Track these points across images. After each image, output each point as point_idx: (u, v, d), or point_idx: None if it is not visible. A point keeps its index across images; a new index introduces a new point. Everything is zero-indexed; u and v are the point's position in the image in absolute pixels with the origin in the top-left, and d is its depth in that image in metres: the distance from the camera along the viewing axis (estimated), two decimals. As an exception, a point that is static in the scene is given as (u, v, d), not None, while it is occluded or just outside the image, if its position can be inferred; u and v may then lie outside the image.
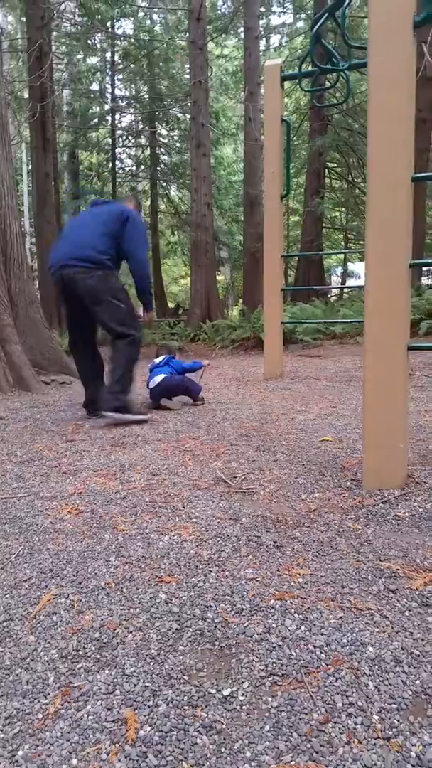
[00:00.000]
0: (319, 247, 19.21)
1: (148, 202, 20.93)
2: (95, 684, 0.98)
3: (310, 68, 4.56)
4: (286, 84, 4.76)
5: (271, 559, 1.40)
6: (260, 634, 1.09)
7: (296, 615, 1.15)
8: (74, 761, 0.82)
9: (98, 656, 1.06)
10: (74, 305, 3.22)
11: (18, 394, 4.38)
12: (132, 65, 16.42)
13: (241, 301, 18.12)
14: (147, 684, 0.97)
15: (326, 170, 17.04)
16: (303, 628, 1.11)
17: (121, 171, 21.41)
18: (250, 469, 2.15)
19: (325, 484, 1.96)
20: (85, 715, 0.91)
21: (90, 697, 0.95)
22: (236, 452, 2.40)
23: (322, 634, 1.08)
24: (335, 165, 19.14)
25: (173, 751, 0.83)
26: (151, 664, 1.03)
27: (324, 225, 19.09)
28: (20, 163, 20.80)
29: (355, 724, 0.86)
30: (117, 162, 20.01)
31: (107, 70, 17.54)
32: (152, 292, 3.40)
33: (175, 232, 23.10)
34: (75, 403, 3.92)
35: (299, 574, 1.32)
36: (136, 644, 1.08)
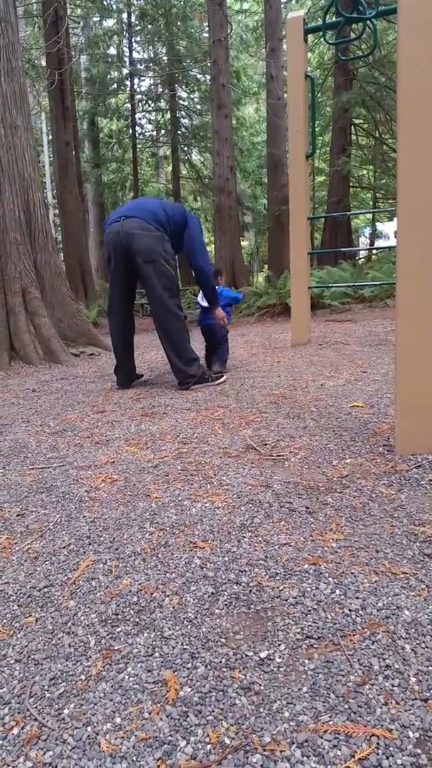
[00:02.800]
0: (347, 208, 18.70)
1: (170, 168, 20.60)
2: (135, 647, 1.01)
3: (334, 18, 4.33)
4: (309, 38, 4.55)
5: (304, 525, 1.41)
6: (295, 597, 1.10)
7: (331, 579, 1.15)
8: (117, 719, 0.85)
9: (137, 620, 1.08)
10: (122, 270, 3.20)
11: (48, 367, 4.44)
12: (149, 26, 15.94)
13: (266, 267, 17.85)
14: (185, 647, 0.99)
15: (352, 127, 16.41)
16: (338, 591, 1.11)
17: (141, 137, 21.04)
18: (280, 437, 2.15)
19: (356, 449, 1.94)
20: (126, 677, 0.93)
21: (130, 659, 0.98)
22: (266, 420, 2.39)
23: (357, 598, 1.08)
24: (361, 121, 18.42)
25: (213, 711, 0.85)
26: (189, 627, 1.05)
27: (351, 184, 18.51)
28: (40, 133, 20.63)
29: (393, 685, 0.86)
30: (137, 128, 19.65)
31: (124, 33, 17.07)
32: (215, 293, 3.41)
33: (198, 198, 22.73)
34: (104, 375, 3.95)
35: (332, 540, 1.32)
36: (173, 608, 1.11)
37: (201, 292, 3.44)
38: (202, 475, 1.81)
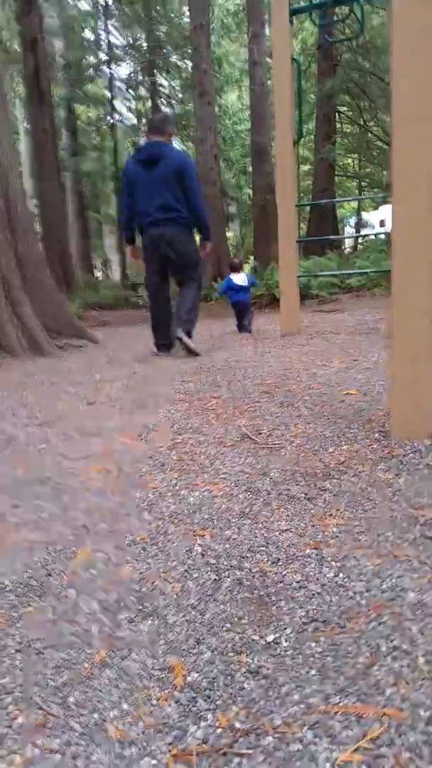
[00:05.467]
0: (332, 197, 18.72)
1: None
2: (139, 634, 0.99)
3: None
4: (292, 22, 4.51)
5: (304, 511, 1.40)
6: (298, 582, 1.10)
7: (333, 563, 1.15)
8: (125, 706, 0.84)
9: (140, 607, 1.07)
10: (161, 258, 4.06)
11: (33, 359, 4.38)
12: (126, 8, 15.67)
13: (252, 258, 17.80)
14: (190, 633, 0.98)
15: (337, 114, 16.38)
16: (341, 575, 1.11)
17: (121, 125, 20.77)
18: (274, 425, 2.14)
19: (352, 436, 1.94)
20: (132, 663, 0.92)
21: (135, 646, 0.96)
22: (260, 409, 2.39)
23: (360, 581, 1.08)
24: (346, 108, 18.36)
25: (222, 696, 0.84)
26: (193, 613, 1.04)
27: (336, 173, 18.50)
28: (15, 120, 20.26)
29: (401, 666, 0.86)
30: (116, 115, 19.42)
31: (100, 15, 16.79)
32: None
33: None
34: (93, 367, 3.91)
35: (333, 524, 1.31)
36: (176, 595, 1.10)
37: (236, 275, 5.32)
38: (198, 465, 1.79)
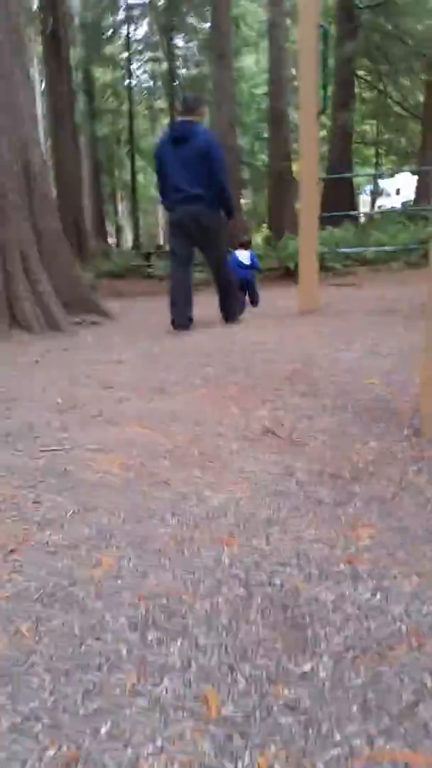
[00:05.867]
0: (349, 165, 18.21)
1: (167, 121, 19.86)
2: (170, 657, 0.96)
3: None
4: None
5: (334, 518, 1.36)
6: (333, 602, 1.05)
7: (369, 581, 1.11)
8: (159, 741, 0.81)
9: (168, 625, 1.04)
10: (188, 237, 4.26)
11: (50, 335, 4.34)
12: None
13: (265, 226, 17.42)
14: (223, 658, 0.95)
15: (355, 78, 15.78)
16: (378, 595, 1.07)
17: (137, 88, 20.24)
18: (297, 418, 2.08)
19: (379, 432, 1.88)
20: (164, 692, 0.89)
21: (166, 671, 0.93)
22: (281, 399, 2.33)
23: (399, 603, 1.04)
24: (365, 73, 17.68)
25: (259, 732, 0.81)
26: (224, 635, 1.00)
27: (353, 140, 17.91)
28: (32, 83, 19.79)
29: (448, 706, 0.82)
30: (133, 79, 18.90)
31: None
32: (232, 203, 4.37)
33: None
34: (110, 345, 3.86)
35: (366, 535, 1.27)
36: (205, 612, 1.06)
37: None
38: (220, 462, 1.75)
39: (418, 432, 1.82)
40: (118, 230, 28.53)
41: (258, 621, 1.03)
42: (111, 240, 24.80)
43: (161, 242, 24.17)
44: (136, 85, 19.55)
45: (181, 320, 4.31)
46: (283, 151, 13.21)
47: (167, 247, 21.67)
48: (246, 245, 5.83)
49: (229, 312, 4.48)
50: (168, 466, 1.75)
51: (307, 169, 4.25)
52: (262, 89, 20.42)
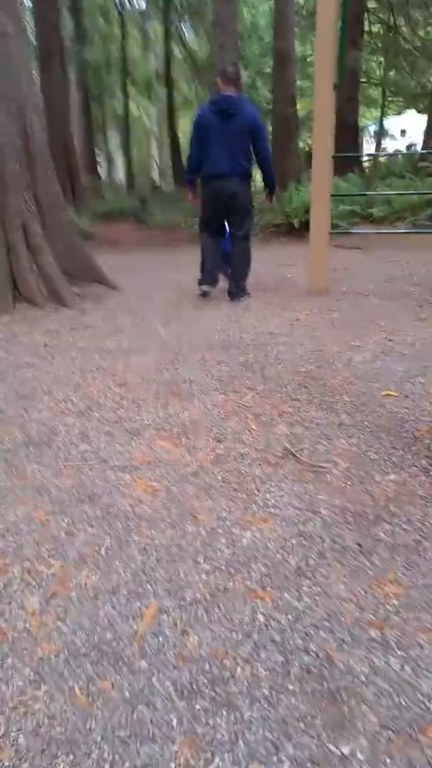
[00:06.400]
0: (356, 107, 17.36)
1: (161, 48, 18.74)
2: (218, 731, 1.04)
3: None
4: None
5: (360, 570, 1.43)
6: (366, 675, 1.13)
7: (398, 651, 1.19)
8: None
9: (213, 694, 1.12)
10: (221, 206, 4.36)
11: (54, 310, 4.29)
12: None
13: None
14: (267, 734, 1.03)
15: (366, 13, 14.85)
16: (407, 668, 1.15)
17: (129, 11, 18.95)
18: (316, 437, 2.13)
19: (398, 460, 1.94)
20: (217, 771, 0.97)
21: (216, 747, 1.02)
22: (298, 411, 2.36)
23: (427, 678, 1.12)
24: (375, 5, 16.65)
25: None
26: (266, 707, 1.08)
27: (360, 79, 17.04)
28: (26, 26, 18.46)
29: None
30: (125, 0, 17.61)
31: None
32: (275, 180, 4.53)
33: (192, 85, 20.92)
34: (117, 327, 3.83)
35: (392, 594, 1.34)
36: (247, 681, 1.14)
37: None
38: (245, 491, 1.80)
39: (436, 464, 1.88)
40: (109, 162, 27.44)
41: (297, 692, 1.11)
42: (101, 171, 23.89)
43: (157, 181, 23.35)
44: (127, 7, 18.24)
45: (209, 282, 4.55)
46: (287, 94, 12.60)
47: (163, 186, 20.73)
48: None
49: (239, 283, 4.48)
50: (194, 493, 1.80)
51: (320, 148, 4.10)
52: (265, 19, 19.17)
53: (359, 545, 1.52)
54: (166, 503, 1.75)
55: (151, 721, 1.07)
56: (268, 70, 17.28)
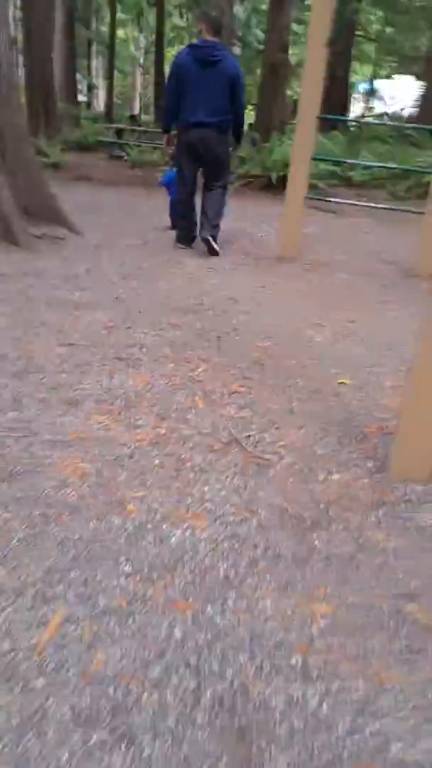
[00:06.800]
0: (349, 63, 16.66)
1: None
2: (112, 770, 0.95)
3: None
4: None
5: (291, 584, 1.34)
6: (282, 711, 1.05)
7: (318, 683, 1.11)
8: None
9: (113, 724, 1.02)
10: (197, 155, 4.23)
11: (6, 250, 3.96)
12: None
13: (251, 124, 16.08)
14: (166, 776, 0.94)
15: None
16: (325, 705, 1.07)
17: None
18: (265, 423, 2.01)
19: (344, 459, 1.84)
20: None
21: (107, 790, 0.92)
22: (249, 391, 2.23)
23: (345, 717, 1.05)
24: None
25: None
26: (169, 742, 0.99)
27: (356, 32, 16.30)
28: None
29: None
30: None
31: None
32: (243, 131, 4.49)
33: (184, 13, 19.60)
34: (69, 273, 3.57)
35: (320, 614, 1.26)
36: (152, 710, 1.04)
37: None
38: (182, 480, 1.68)
39: (383, 467, 1.79)
40: (90, 89, 25.86)
41: (205, 726, 1.02)
42: (82, 98, 22.49)
43: (136, 111, 22.12)
44: None
45: (186, 240, 4.47)
46: (281, 39, 11.90)
47: (141, 118, 19.65)
48: None
49: (213, 225, 4.35)
50: (126, 479, 1.67)
51: (306, 110, 3.81)
52: None
53: (293, 554, 1.43)
54: (94, 489, 1.62)
55: (39, 756, 0.96)
56: (265, 6, 16.25)
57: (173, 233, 4.69)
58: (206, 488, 1.66)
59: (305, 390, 2.28)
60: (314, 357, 2.59)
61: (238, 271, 3.98)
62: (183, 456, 1.80)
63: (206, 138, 4.09)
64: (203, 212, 4.39)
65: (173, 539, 1.45)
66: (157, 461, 1.77)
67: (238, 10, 17.84)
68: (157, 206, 6.13)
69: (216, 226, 4.38)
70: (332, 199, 5.69)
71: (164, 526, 1.50)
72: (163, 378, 2.30)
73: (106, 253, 4.19)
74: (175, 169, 4.81)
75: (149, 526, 1.49)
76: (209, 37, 4.01)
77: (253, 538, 1.48)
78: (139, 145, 12.14)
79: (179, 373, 2.36)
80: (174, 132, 4.29)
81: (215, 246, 4.26)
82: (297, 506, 1.61)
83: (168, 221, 5.02)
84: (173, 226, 4.87)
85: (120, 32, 21.78)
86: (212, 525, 1.51)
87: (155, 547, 1.42)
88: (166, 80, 4.31)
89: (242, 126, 4.35)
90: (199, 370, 2.39)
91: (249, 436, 1.94)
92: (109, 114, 17.39)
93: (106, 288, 3.37)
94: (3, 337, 2.57)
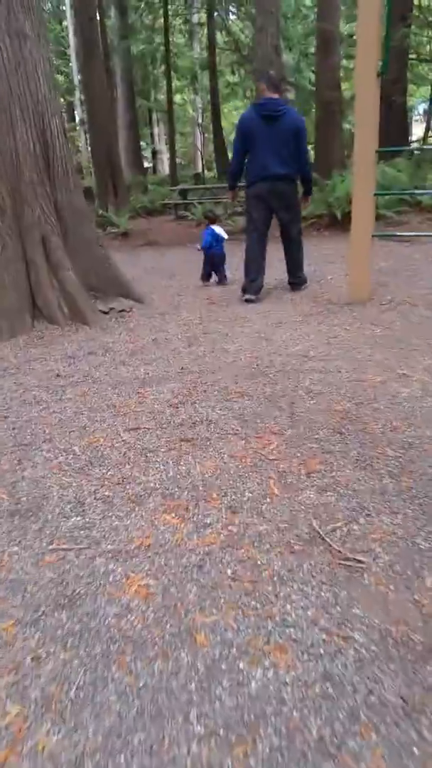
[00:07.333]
0: (404, 89, 16.36)
1: (204, 35, 18.22)
2: None
3: None
4: None
5: (404, 748, 1.04)
6: None
7: None
8: None
9: None
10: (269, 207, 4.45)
11: (75, 329, 4.02)
12: None
13: (311, 163, 16.09)
14: None
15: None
16: None
17: (172, 2, 18.57)
18: (351, 510, 1.74)
19: (455, 553, 1.52)
20: None
21: None
22: (331, 469, 1.97)
23: None
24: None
25: None
26: None
27: (409, 56, 16.07)
28: (65, 6, 18.59)
29: None
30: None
31: None
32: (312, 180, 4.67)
33: (236, 71, 20.39)
34: (137, 348, 3.51)
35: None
36: None
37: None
38: (259, 597, 1.44)
39: None
40: (155, 155, 27.41)
41: None
42: (147, 164, 23.82)
43: (198, 169, 22.97)
44: (170, -2, 17.83)
45: (254, 281, 4.52)
46: (331, 78, 11.93)
47: (204, 172, 20.41)
48: (215, 221, 5.57)
49: (298, 273, 4.67)
50: (195, 599, 1.45)
51: (363, 144, 3.61)
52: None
53: (403, 708, 1.13)
54: (160, 615, 1.42)
55: None
56: (313, 50, 16.51)
57: (234, 288, 4.79)
58: (288, 606, 1.40)
59: (396, 461, 1.98)
60: (403, 416, 2.29)
61: (308, 321, 3.75)
62: (259, 562, 1.57)
63: (277, 189, 4.29)
64: (288, 264, 4.66)
65: (253, 684, 1.21)
66: (229, 571, 1.54)
67: (287, 58, 18.28)
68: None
69: (302, 276, 4.72)
70: (402, 234, 5.38)
71: (241, 665, 1.26)
72: (233, 460, 2.10)
73: (172, 318, 4.14)
74: (211, 227, 5.31)
75: (223, 665, 1.26)
76: (269, 94, 4.23)
77: (350, 677, 1.20)
78: (202, 203, 12.48)
79: (250, 452, 2.14)
80: (241, 185, 4.64)
81: (302, 289, 4.66)
82: (403, 627, 1.31)
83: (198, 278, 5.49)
84: (207, 276, 5.41)
85: (177, 97, 22.99)
86: (299, 660, 1.25)
87: (231, 697, 1.18)
88: (229, 129, 4.67)
89: (310, 176, 4.53)
90: (272, 446, 2.17)
91: (334, 529, 1.67)
92: (173, 176, 18.20)
93: (171, 358, 3.27)
94: (69, 427, 2.50)
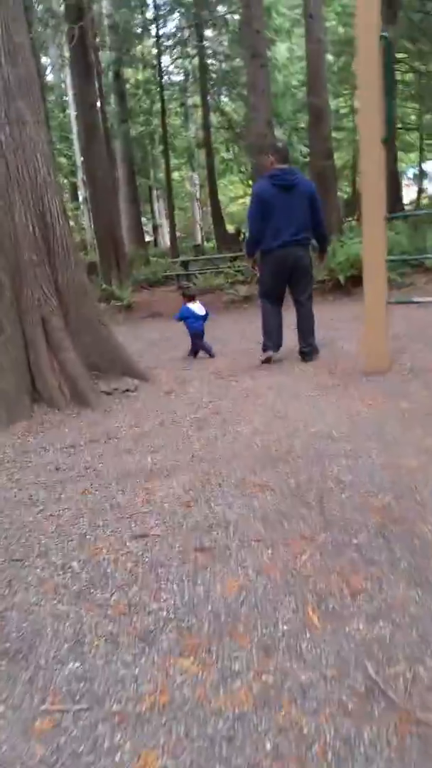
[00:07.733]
0: (394, 156, 16.90)
1: (199, 116, 19.18)
2: None
3: None
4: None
5: None
6: None
7: None
8: None
9: None
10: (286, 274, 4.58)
11: (76, 413, 3.77)
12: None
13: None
14: None
15: (395, 63, 14.72)
16: None
17: (169, 86, 19.72)
18: (415, 647, 1.40)
19: None
20: None
21: None
22: (380, 587, 1.65)
23: None
24: (404, 55, 16.62)
25: None
26: None
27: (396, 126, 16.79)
28: (66, 88, 19.76)
29: None
30: (164, 76, 18.32)
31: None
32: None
33: (230, 148, 21.34)
34: (143, 433, 3.25)
35: None
36: None
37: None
38: (312, 794, 1.09)
39: None
40: (156, 229, 28.43)
41: None
42: (148, 238, 24.62)
43: (198, 241, 23.59)
44: (168, 82, 18.95)
45: (274, 344, 4.65)
46: (323, 148, 12.34)
47: (203, 243, 20.96)
48: (193, 298, 5.54)
49: (309, 342, 4.61)
50: (227, 795, 1.11)
51: (371, 211, 3.51)
52: (297, 78, 19.43)
53: None
54: None
55: None
56: (303, 125, 17.30)
57: (239, 359, 4.79)
58: (352, 808, 1.05)
59: (456, 574, 1.66)
60: (452, 512, 1.98)
61: (327, 395, 3.50)
62: (305, 731, 1.22)
63: (294, 255, 4.42)
64: (299, 330, 4.64)
65: None
66: (268, 746, 1.20)
67: (278, 133, 19.13)
68: (223, 332, 5.98)
69: (313, 346, 4.65)
70: (420, 300, 5.25)
71: None
72: (260, 577, 1.77)
73: (178, 397, 3.90)
74: (187, 305, 5.37)
75: None
76: (279, 165, 4.39)
77: None
78: (203, 272, 12.62)
79: (278, 564, 1.82)
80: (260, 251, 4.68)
81: (314, 359, 4.59)
82: None
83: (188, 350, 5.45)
84: (194, 353, 5.38)
85: (175, 174, 24.02)
86: None
87: None
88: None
89: (326, 235, 4.76)
90: (304, 557, 1.85)
91: (396, 675, 1.33)
92: (173, 248, 18.64)
93: (180, 444, 3.00)
94: (68, 535, 2.19)
